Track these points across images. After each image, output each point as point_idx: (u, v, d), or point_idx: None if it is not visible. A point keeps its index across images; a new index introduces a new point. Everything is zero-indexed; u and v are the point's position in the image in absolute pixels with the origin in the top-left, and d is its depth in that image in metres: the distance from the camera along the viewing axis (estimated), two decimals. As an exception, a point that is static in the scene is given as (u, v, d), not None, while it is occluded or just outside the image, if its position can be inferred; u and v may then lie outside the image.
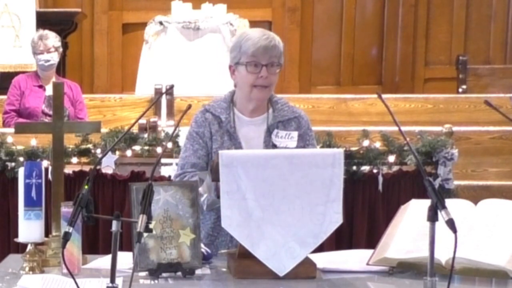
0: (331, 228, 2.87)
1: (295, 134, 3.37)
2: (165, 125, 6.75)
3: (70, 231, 2.41)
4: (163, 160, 4.64)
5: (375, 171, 4.61)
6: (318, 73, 9.33)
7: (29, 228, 2.95)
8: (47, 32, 6.20)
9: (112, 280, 2.27)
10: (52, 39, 6.15)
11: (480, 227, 2.89)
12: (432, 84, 9.14)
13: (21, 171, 2.99)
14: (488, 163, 6.06)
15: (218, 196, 3.03)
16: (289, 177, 2.84)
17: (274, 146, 3.32)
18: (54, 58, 6.16)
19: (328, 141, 4.54)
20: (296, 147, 3.34)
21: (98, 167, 4.49)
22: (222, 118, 3.37)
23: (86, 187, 2.44)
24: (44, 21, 7.32)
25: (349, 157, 4.52)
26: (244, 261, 2.85)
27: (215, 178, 2.99)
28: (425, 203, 2.45)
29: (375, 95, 2.96)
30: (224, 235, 3.29)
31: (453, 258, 2.38)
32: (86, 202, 2.44)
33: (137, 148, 4.71)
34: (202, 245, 3.01)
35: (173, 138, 4.55)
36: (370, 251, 3.04)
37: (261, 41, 3.29)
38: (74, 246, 2.86)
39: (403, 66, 9.27)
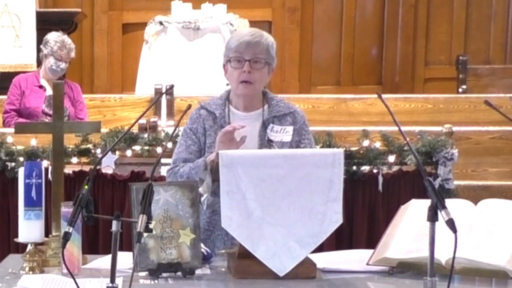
0: (331, 228, 2.88)
1: (290, 128, 3.38)
2: (165, 125, 6.75)
3: (70, 231, 2.41)
4: (163, 160, 4.62)
5: (375, 171, 4.61)
6: (318, 73, 9.33)
7: (29, 228, 2.95)
8: (71, 41, 6.21)
9: (112, 280, 2.27)
10: (74, 51, 6.21)
11: (480, 227, 2.89)
12: (432, 84, 9.13)
13: (21, 171, 2.99)
14: (488, 163, 6.06)
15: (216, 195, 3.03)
16: (289, 177, 2.84)
17: (269, 141, 3.33)
18: (66, 67, 6.21)
19: (328, 141, 4.54)
20: (291, 141, 3.35)
21: (98, 167, 4.49)
22: (217, 113, 3.39)
23: (86, 187, 2.44)
24: (44, 21, 7.32)
25: (349, 157, 4.52)
26: (244, 261, 2.85)
27: (215, 178, 2.99)
28: (425, 203, 2.45)
29: (375, 95, 2.96)
30: (219, 229, 3.29)
31: (453, 258, 2.38)
32: (86, 202, 2.44)
33: (137, 148, 4.71)
34: (202, 245, 3.01)
35: (173, 138, 4.54)
36: (370, 251, 3.04)
37: (245, 37, 3.34)
38: (74, 246, 2.86)
39: (403, 66, 9.27)
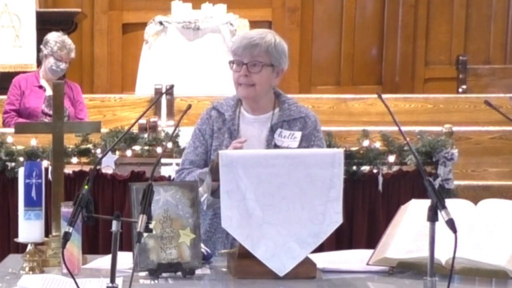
0: (331, 228, 2.88)
1: (298, 134, 3.35)
2: (165, 125, 6.75)
3: (70, 231, 2.41)
4: (163, 160, 4.63)
5: (375, 171, 4.61)
6: (318, 73, 9.33)
7: (29, 228, 2.95)
8: (71, 42, 6.21)
9: (112, 280, 2.27)
10: (74, 51, 6.21)
11: (480, 227, 2.89)
12: (432, 84, 9.14)
13: (21, 171, 2.99)
14: (488, 163, 6.06)
15: (217, 196, 3.03)
16: (289, 177, 2.84)
17: (276, 146, 3.32)
18: (66, 67, 6.21)
19: (328, 141, 4.53)
20: (298, 148, 3.32)
21: (98, 167, 4.49)
22: (226, 115, 3.38)
23: (86, 187, 2.44)
24: (44, 21, 7.32)
25: (349, 157, 4.52)
26: (244, 261, 2.85)
27: (215, 178, 2.99)
28: (425, 203, 2.45)
29: (375, 95, 2.96)
30: (220, 232, 3.31)
31: (453, 258, 2.39)
32: (86, 202, 2.44)
33: (137, 148, 4.70)
34: (202, 245, 3.01)
35: (173, 138, 4.55)
36: (370, 251, 3.04)
37: (243, 40, 3.32)
38: (74, 246, 2.86)
39: (403, 66, 9.27)
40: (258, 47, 3.29)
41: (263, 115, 3.39)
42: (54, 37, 6.16)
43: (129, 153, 4.70)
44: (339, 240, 4.37)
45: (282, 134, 3.34)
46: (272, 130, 3.35)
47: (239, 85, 3.33)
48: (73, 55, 6.21)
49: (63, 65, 6.15)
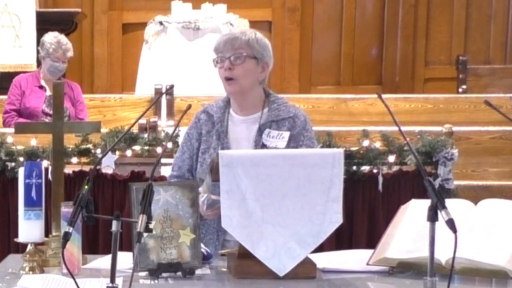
0: (331, 228, 2.87)
1: (286, 134, 3.32)
2: (165, 125, 6.76)
3: (70, 231, 2.41)
4: (163, 160, 4.63)
5: (375, 171, 4.61)
6: (318, 73, 9.33)
7: (29, 228, 2.95)
8: (67, 41, 6.17)
9: (112, 280, 2.27)
10: (71, 50, 6.16)
11: (480, 227, 2.89)
12: (432, 84, 9.14)
13: (21, 171, 2.99)
14: (488, 163, 6.06)
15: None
16: (289, 177, 2.84)
17: (263, 146, 3.30)
18: (65, 67, 6.18)
19: (328, 141, 4.54)
20: (286, 148, 3.30)
21: (98, 167, 4.49)
22: (215, 117, 3.37)
23: (86, 187, 2.45)
24: (44, 21, 7.32)
25: (349, 157, 4.52)
26: (244, 261, 2.85)
27: (215, 178, 2.99)
28: (425, 203, 2.45)
29: (375, 95, 2.96)
30: (211, 233, 3.33)
31: (453, 258, 2.38)
32: (86, 202, 2.44)
33: (137, 148, 4.71)
34: (202, 245, 3.01)
35: (173, 138, 4.55)
36: (370, 251, 3.04)
37: (224, 37, 3.36)
38: (74, 246, 2.86)
39: (403, 66, 9.27)
40: (238, 40, 3.29)
41: (252, 116, 3.38)
42: (49, 39, 6.13)
43: (129, 153, 4.70)
44: (339, 240, 4.37)
45: (270, 134, 3.32)
46: (261, 130, 3.33)
47: (225, 80, 3.32)
48: (70, 54, 6.17)
49: (61, 66, 6.13)
